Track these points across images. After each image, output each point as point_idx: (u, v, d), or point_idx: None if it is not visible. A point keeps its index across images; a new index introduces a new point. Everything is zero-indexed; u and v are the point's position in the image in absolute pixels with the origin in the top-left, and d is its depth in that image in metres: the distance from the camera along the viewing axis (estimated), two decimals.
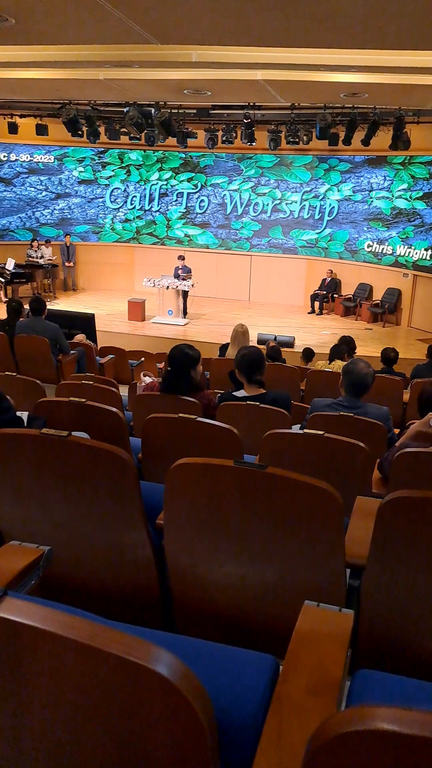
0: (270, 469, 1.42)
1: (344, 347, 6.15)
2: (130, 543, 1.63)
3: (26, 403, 3.19)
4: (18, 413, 2.23)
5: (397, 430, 3.71)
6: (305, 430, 2.34)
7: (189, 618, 1.69)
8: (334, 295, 13.91)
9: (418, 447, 2.35)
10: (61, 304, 13.28)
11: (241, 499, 1.47)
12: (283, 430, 2.41)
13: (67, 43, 6.16)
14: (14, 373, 3.60)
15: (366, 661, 1.53)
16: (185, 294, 12.46)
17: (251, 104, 10.08)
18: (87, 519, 1.64)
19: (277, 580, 1.54)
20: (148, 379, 3.66)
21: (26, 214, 14.89)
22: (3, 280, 13.01)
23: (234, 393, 3.54)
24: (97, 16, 5.03)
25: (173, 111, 10.59)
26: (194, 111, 11.35)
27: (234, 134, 11.86)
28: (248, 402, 3.30)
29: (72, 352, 6.66)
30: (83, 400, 2.52)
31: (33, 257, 14.03)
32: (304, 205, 14.31)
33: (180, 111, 11.03)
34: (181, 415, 2.46)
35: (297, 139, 11.30)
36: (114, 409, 2.53)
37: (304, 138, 11.73)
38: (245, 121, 10.33)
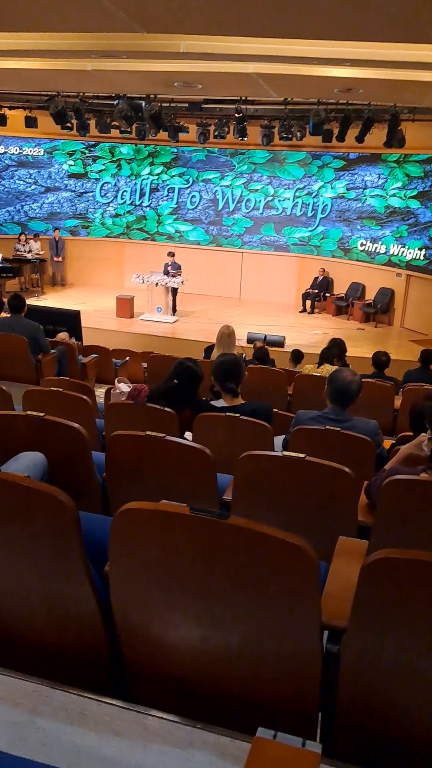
0: (232, 519, 1.19)
1: (335, 350, 5.92)
2: (72, 595, 1.39)
3: None
4: None
5: (387, 443, 3.50)
6: (285, 453, 2.12)
7: (143, 682, 1.46)
8: (326, 294, 13.69)
9: (408, 473, 2.13)
10: (48, 299, 13.00)
11: (198, 552, 1.24)
12: (260, 452, 2.18)
13: (51, 30, 5.89)
14: None
15: (341, 745, 1.31)
16: (174, 291, 12.21)
17: (243, 98, 9.82)
18: (22, 567, 1.40)
19: (243, 644, 1.31)
20: (124, 387, 3.42)
21: (15, 208, 14.58)
22: None
23: (212, 402, 3.32)
24: (79, 2, 4.77)
25: (164, 104, 10.31)
26: (186, 105, 11.09)
27: (226, 129, 11.60)
28: (227, 414, 3.07)
29: (52, 351, 6.41)
30: (41, 414, 2.28)
31: (21, 251, 13.72)
32: (297, 202, 14.07)
33: (171, 105, 10.76)
34: (148, 433, 2.23)
35: (290, 135, 11.05)
36: (75, 426, 2.29)
37: (298, 134, 11.49)
38: (237, 115, 10.08)
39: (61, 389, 3.31)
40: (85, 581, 1.35)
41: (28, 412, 2.32)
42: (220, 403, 3.32)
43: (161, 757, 1.31)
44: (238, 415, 3.07)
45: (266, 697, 1.38)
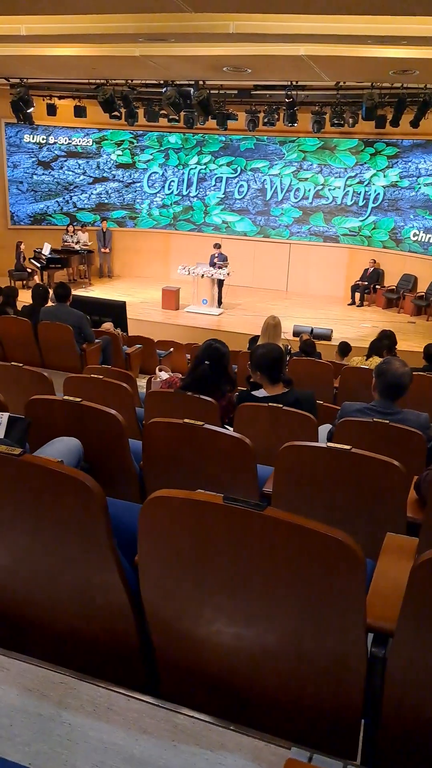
0: (270, 510, 1.09)
1: (385, 342, 5.72)
2: (100, 585, 1.33)
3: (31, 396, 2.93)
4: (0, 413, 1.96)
5: None
6: (329, 444, 2.00)
7: (174, 679, 1.39)
8: (376, 287, 13.32)
9: None
10: (95, 290, 13.12)
11: (233, 545, 1.15)
12: (303, 442, 2.07)
13: (97, 11, 5.85)
14: (21, 364, 3.35)
15: (385, 759, 1.20)
16: (220, 283, 12.12)
17: (294, 83, 9.60)
18: (50, 555, 1.34)
19: (280, 644, 1.22)
20: (164, 375, 3.37)
21: (63, 199, 14.75)
22: (39, 265, 12.90)
23: (253, 393, 3.22)
24: None
25: (213, 91, 10.19)
26: (235, 91, 10.94)
27: (276, 116, 11.39)
28: (270, 404, 2.96)
29: (97, 341, 6.42)
30: (78, 399, 2.23)
31: (69, 242, 13.88)
32: (348, 191, 13.72)
33: (220, 92, 10.63)
34: (186, 420, 2.15)
35: (342, 122, 10.76)
36: (112, 412, 2.23)
37: (350, 120, 11.18)
38: (287, 101, 9.86)
39: (101, 376, 3.27)
40: (113, 570, 1.28)
41: (66, 397, 2.28)
42: (261, 393, 3.21)
43: (191, 758, 1.24)
44: (280, 405, 2.96)
45: (305, 702, 1.29)
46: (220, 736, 1.27)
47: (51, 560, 1.34)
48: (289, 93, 9.70)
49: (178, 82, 9.61)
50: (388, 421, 2.76)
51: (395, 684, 1.20)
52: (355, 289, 13.32)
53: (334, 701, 1.26)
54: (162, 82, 9.76)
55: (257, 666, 1.28)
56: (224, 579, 1.18)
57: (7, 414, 1.91)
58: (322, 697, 1.27)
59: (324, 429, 3.20)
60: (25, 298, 8.48)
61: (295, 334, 10.01)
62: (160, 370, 3.44)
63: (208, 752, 1.25)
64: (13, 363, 3.31)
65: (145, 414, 3.23)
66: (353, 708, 1.26)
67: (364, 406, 2.94)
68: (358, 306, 13.16)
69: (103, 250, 14.56)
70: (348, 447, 1.94)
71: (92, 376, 3.19)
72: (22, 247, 13.02)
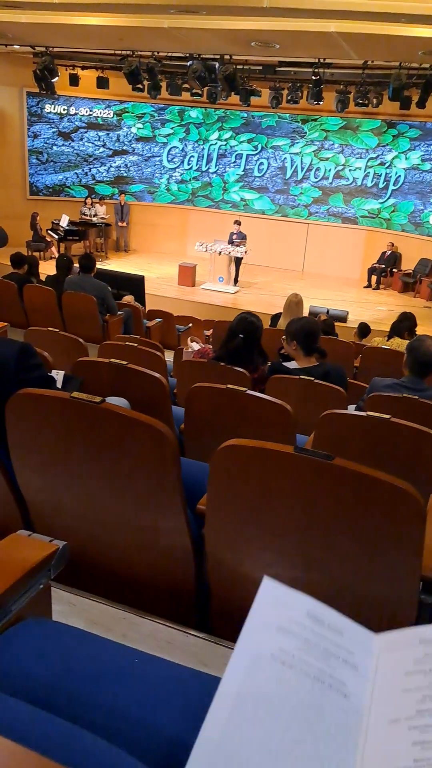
0: (338, 460, 1.17)
1: (405, 324, 5.76)
2: (165, 528, 1.42)
3: (68, 362, 3.02)
4: (54, 372, 2.04)
5: None
6: (369, 413, 2.08)
7: (228, 620, 1.48)
8: (393, 270, 13.27)
9: None
10: (111, 264, 13.12)
11: (300, 493, 1.23)
12: (344, 411, 2.14)
13: None
14: (57, 330, 3.43)
15: None
16: (238, 261, 12.10)
17: (321, 61, 9.48)
18: (119, 497, 1.43)
19: (336, 588, 1.30)
20: (196, 345, 3.44)
21: (82, 170, 14.69)
22: (56, 237, 12.92)
23: (285, 364, 3.29)
24: None
25: (238, 66, 10.08)
26: (260, 67, 10.81)
27: (299, 94, 11.25)
28: (301, 376, 3.03)
29: (119, 312, 6.49)
30: (124, 362, 2.31)
31: (87, 215, 13.86)
32: (369, 172, 13.60)
33: (245, 67, 10.51)
34: (229, 386, 2.22)
35: (366, 102, 10.65)
36: (157, 375, 2.31)
37: (374, 101, 11.06)
38: (314, 78, 9.75)
39: (135, 344, 3.35)
40: (180, 515, 1.37)
41: (112, 360, 2.36)
42: (292, 364, 3.28)
43: None
44: (312, 378, 3.03)
45: None
46: None
47: (121, 504, 1.43)
48: (316, 71, 9.59)
49: (203, 56, 9.52)
50: (417, 397, 2.83)
51: None
52: (371, 271, 13.28)
53: None
54: (187, 55, 9.67)
55: None
56: (289, 524, 1.26)
57: (63, 372, 1.99)
58: None
59: (350, 408, 3.27)
60: (43, 269, 8.53)
61: (311, 315, 10.03)
62: (192, 341, 3.50)
63: None
64: (50, 328, 3.38)
65: (177, 383, 3.31)
66: None
67: (393, 381, 3.00)
68: (374, 289, 13.13)
69: (120, 223, 14.54)
70: (387, 416, 2.01)
71: (127, 343, 3.26)
72: (38, 218, 13.03)
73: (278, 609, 0.57)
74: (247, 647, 0.54)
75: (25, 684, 0.69)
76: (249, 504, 1.29)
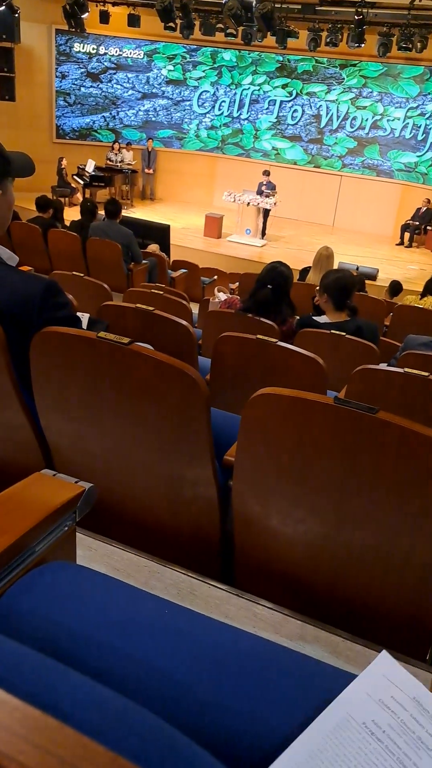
0: (382, 413, 1.09)
1: None
2: (192, 478, 1.36)
3: (93, 308, 2.95)
4: (79, 314, 1.97)
5: None
6: (406, 370, 1.98)
7: (251, 573, 1.44)
8: (428, 228, 12.82)
9: None
10: (137, 212, 12.87)
11: (338, 446, 1.16)
12: (379, 367, 2.05)
13: None
14: (82, 274, 3.35)
15: None
16: (266, 213, 11.77)
17: (364, 0, 8.95)
18: (145, 444, 1.38)
19: (368, 547, 1.25)
20: (223, 296, 3.34)
21: (110, 114, 14.28)
22: (82, 183, 12.67)
23: (315, 318, 3.18)
24: None
25: (276, 6, 9.55)
26: (299, 6, 10.26)
27: (339, 36, 10.69)
28: (332, 331, 2.93)
29: (144, 261, 6.37)
30: (151, 308, 2.23)
31: (113, 161, 13.54)
32: (408, 123, 12.99)
33: (283, 6, 9.96)
34: (259, 336, 2.14)
35: (410, 45, 10.07)
36: (184, 322, 2.23)
37: (418, 45, 10.45)
38: (357, 18, 9.22)
39: (161, 292, 3.26)
40: (208, 465, 1.31)
41: (138, 305, 2.28)
42: (323, 318, 3.17)
43: None
44: (343, 333, 2.93)
45: (383, 607, 1.33)
46: (299, 629, 1.33)
47: (147, 450, 1.37)
48: (359, 10, 9.05)
49: None
50: None
51: None
52: (405, 228, 12.84)
53: (413, 610, 1.30)
54: None
55: (340, 567, 1.32)
56: (325, 479, 1.20)
57: (88, 315, 1.92)
58: (402, 604, 1.31)
59: (382, 366, 3.17)
60: (67, 215, 8.37)
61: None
62: (219, 291, 3.40)
63: (287, 640, 1.32)
64: (74, 273, 3.30)
65: (203, 334, 3.22)
66: None
67: (430, 340, 2.89)
68: (406, 246, 12.73)
69: (147, 170, 14.19)
70: (426, 373, 1.92)
71: (153, 291, 3.17)
72: (64, 162, 12.76)
73: (387, 683, 0.59)
74: (344, 707, 0.56)
75: (50, 631, 0.64)
76: (282, 456, 1.22)
